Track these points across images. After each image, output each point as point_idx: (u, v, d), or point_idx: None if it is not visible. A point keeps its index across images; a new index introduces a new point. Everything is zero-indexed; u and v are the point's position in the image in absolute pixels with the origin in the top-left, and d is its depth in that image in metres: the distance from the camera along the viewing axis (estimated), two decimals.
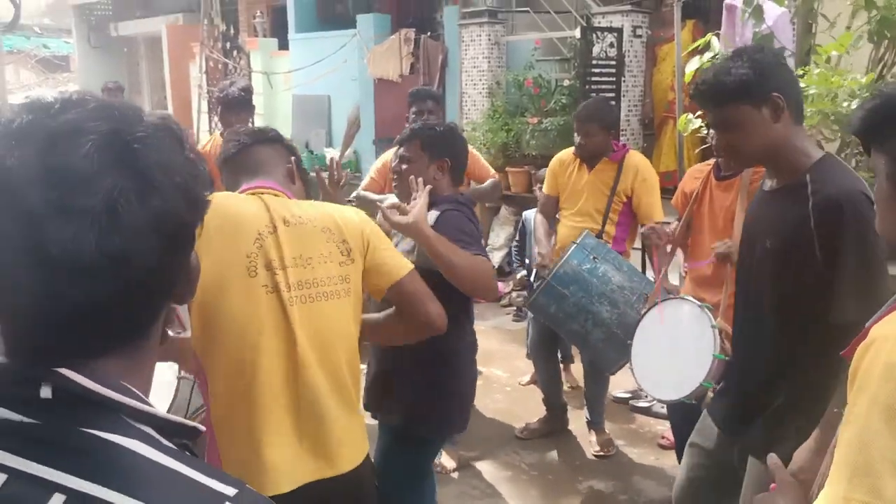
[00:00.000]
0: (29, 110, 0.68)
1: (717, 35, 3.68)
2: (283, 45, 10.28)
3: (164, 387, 2.25)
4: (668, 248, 2.99)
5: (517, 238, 5.55)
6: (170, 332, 0.81)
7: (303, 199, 1.91)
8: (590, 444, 3.86)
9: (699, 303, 2.39)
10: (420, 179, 2.20)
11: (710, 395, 2.21)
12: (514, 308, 6.19)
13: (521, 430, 4.02)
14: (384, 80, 8.51)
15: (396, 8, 9.81)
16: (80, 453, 0.65)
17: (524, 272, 5.97)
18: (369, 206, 2.82)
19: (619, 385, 4.28)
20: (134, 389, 0.71)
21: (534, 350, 4.03)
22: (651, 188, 3.69)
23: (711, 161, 3.07)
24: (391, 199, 2.61)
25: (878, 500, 0.98)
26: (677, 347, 2.46)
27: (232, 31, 10.36)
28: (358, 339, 1.81)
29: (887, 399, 1.00)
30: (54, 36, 18.45)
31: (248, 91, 4.10)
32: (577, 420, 4.01)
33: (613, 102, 5.41)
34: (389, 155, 4.09)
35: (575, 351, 4.47)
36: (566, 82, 6.89)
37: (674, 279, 3.51)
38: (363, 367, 1.96)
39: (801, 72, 3.37)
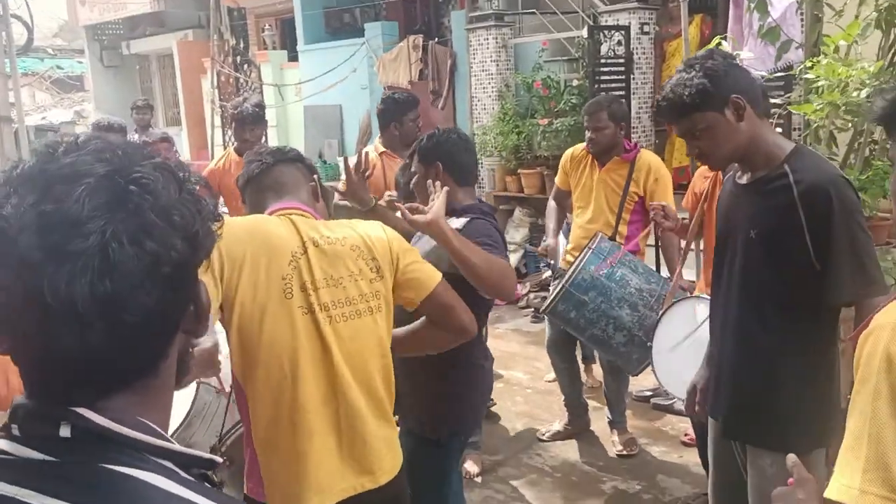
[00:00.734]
0: (35, 154, 0.70)
1: (726, 38, 3.68)
2: (293, 57, 10.36)
3: (182, 392, 2.26)
4: (682, 245, 3.00)
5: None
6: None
7: (327, 218, 1.95)
8: (612, 444, 3.86)
9: None
10: (437, 183, 2.22)
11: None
12: (532, 309, 6.19)
13: (544, 432, 4.03)
14: (394, 87, 8.56)
15: (404, 15, 9.86)
16: (100, 488, 0.67)
17: (549, 272, 5.99)
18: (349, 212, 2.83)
19: (639, 383, 4.28)
20: (151, 424, 0.72)
21: (551, 351, 4.04)
22: (665, 187, 3.70)
23: None
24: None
25: (894, 494, 0.99)
26: (696, 345, 2.47)
27: (242, 45, 10.48)
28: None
29: (890, 390, 1.02)
30: (67, 56, 18.71)
31: (261, 107, 4.16)
32: (599, 420, 4.02)
33: (623, 100, 5.41)
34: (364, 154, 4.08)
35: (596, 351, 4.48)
36: (575, 82, 6.89)
37: (689, 275, 3.52)
38: None
39: (809, 63, 3.36)
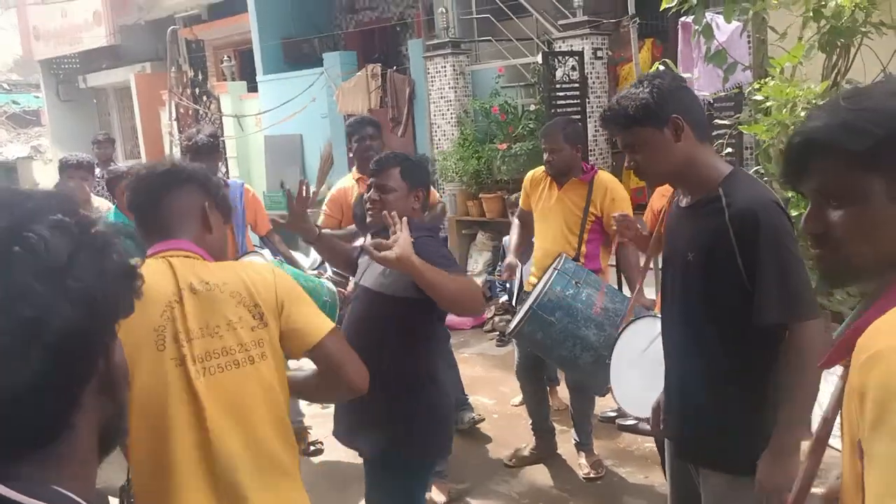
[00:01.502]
0: None
1: (666, 62, 3.77)
2: (253, 88, 10.33)
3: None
4: (641, 263, 3.03)
5: (500, 263, 5.61)
6: None
7: (223, 245, 1.85)
8: (579, 467, 3.84)
9: None
10: (394, 213, 2.19)
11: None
12: (497, 333, 6.19)
13: (511, 457, 4.00)
14: (354, 116, 8.57)
15: (362, 44, 9.92)
16: None
17: (506, 297, 6.01)
18: (335, 246, 2.82)
19: (605, 404, 4.28)
20: (67, 493, 0.68)
21: (520, 374, 4.03)
22: (620, 208, 3.73)
23: None
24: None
25: None
26: (654, 365, 2.47)
27: (200, 77, 10.41)
28: (289, 397, 1.75)
29: None
30: (23, 91, 18.42)
31: (215, 136, 4.13)
32: (566, 443, 4.00)
33: (580, 123, 5.48)
34: (341, 187, 4.16)
35: (560, 373, 4.48)
36: (532, 107, 6.98)
37: (650, 293, 3.55)
38: None
39: (757, 84, 3.44)
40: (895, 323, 0.94)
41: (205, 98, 10.42)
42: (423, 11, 8.99)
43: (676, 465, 2.15)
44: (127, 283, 0.73)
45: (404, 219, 2.14)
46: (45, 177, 13.09)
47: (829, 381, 1.65)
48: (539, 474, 3.86)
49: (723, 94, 4.13)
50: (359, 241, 3.08)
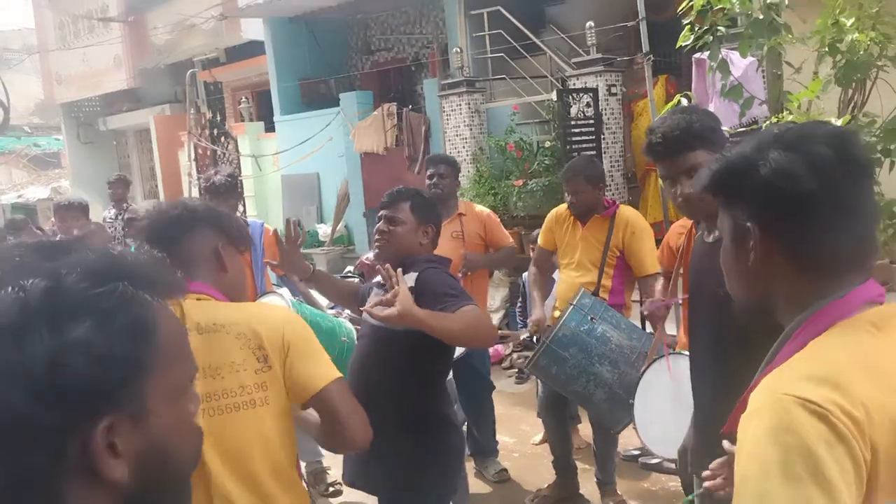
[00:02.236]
0: None
1: (687, 95, 3.78)
2: (270, 128, 10.49)
3: None
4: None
5: (520, 300, 5.59)
6: None
7: (239, 283, 1.84)
8: None
9: None
10: (388, 266, 2.13)
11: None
12: (516, 370, 6.13)
13: (532, 497, 3.93)
14: (370, 154, 8.67)
15: (378, 84, 10.06)
16: None
17: (527, 334, 5.96)
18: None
19: (628, 442, 4.21)
20: None
21: (543, 411, 3.98)
22: (641, 241, 3.73)
23: None
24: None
25: None
26: (679, 403, 2.44)
27: (218, 118, 10.59)
28: (294, 440, 1.73)
29: (777, 458, 0.88)
30: (44, 134, 18.81)
31: (233, 177, 4.18)
32: (588, 482, 3.93)
33: (596, 160, 5.51)
34: None
35: (582, 410, 4.42)
36: (547, 143, 7.02)
37: (671, 329, 3.52)
38: None
39: (775, 119, 3.44)
40: (772, 382, 0.96)
41: (223, 139, 10.59)
42: (437, 51, 9.14)
43: None
44: (120, 363, 0.63)
45: (399, 270, 2.09)
46: None
47: None
48: None
49: (741, 129, 4.14)
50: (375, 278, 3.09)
